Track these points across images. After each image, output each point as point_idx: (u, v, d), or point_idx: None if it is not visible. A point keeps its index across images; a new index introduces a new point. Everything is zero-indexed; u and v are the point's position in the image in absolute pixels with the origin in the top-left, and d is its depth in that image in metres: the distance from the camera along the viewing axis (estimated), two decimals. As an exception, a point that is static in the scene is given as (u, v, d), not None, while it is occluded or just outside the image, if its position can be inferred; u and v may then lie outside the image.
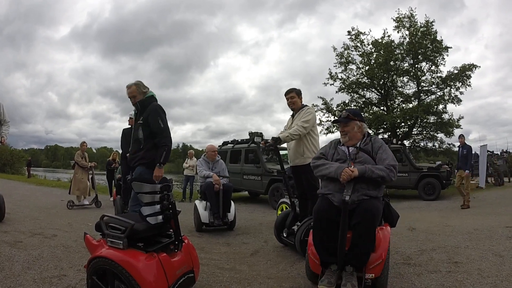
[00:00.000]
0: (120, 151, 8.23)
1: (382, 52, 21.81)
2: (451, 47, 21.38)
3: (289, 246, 5.11)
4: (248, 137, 13.05)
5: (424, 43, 21.04)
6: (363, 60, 22.88)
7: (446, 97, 21.20)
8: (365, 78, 22.79)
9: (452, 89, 21.19)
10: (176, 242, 2.79)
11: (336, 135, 23.97)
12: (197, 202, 6.75)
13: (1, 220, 6.65)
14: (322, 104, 23.45)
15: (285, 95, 5.14)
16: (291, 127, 4.92)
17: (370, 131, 17.95)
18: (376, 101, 23.39)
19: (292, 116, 5.15)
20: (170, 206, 2.73)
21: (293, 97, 5.07)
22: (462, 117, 21.51)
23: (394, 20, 22.21)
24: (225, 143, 13.75)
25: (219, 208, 6.57)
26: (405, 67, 22.12)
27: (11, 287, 3.35)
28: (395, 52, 21.86)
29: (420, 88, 22.16)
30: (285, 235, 5.02)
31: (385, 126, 21.84)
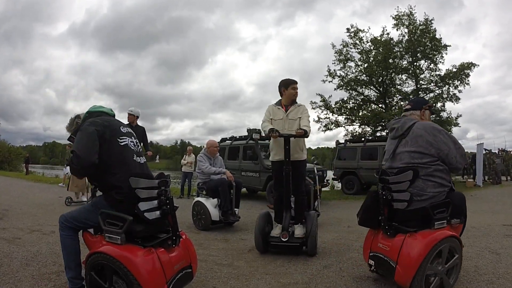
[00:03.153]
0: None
1: (381, 50, 21.81)
2: (450, 46, 21.42)
3: (283, 250, 4.77)
4: (246, 133, 13.01)
5: (423, 41, 21.06)
6: (362, 58, 22.88)
7: (445, 95, 21.23)
8: (364, 75, 22.79)
9: (450, 88, 21.23)
10: (174, 238, 2.79)
11: (334, 132, 23.99)
12: (202, 199, 6.59)
13: None
14: (320, 101, 23.44)
15: (292, 84, 4.91)
16: (289, 120, 4.81)
17: (368, 129, 17.77)
18: (374, 99, 23.41)
19: (285, 109, 4.92)
20: (167, 201, 2.74)
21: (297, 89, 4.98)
22: (460, 115, 21.54)
23: (393, 17, 22.24)
24: (223, 140, 13.74)
25: (232, 205, 6.55)
26: (404, 65, 22.13)
27: (10, 283, 3.35)
28: (394, 50, 21.87)
29: (418, 86, 22.18)
30: (284, 239, 4.60)
31: (383, 124, 21.86)
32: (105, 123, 2.88)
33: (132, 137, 3.04)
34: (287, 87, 4.90)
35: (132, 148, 2.96)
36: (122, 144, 2.87)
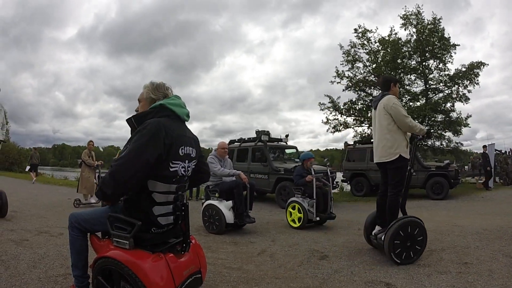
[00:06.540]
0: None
1: (389, 50, 21.64)
2: (458, 45, 21.20)
3: (377, 247, 4.91)
4: (255, 135, 12.99)
5: (431, 40, 20.87)
6: (370, 58, 22.71)
7: (454, 95, 21.02)
8: (372, 76, 22.62)
9: (460, 87, 21.03)
10: (184, 244, 2.73)
11: (343, 133, 23.97)
12: (215, 202, 6.45)
13: (3, 216, 6.73)
14: (329, 102, 23.28)
15: (399, 82, 4.95)
16: None
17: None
18: (383, 99, 23.17)
19: None
20: (182, 207, 2.68)
21: None
22: (470, 116, 21.26)
23: (401, 17, 22.06)
24: (232, 142, 13.71)
25: (247, 207, 6.51)
26: (413, 65, 21.91)
27: (16, 286, 3.34)
28: (402, 50, 21.67)
29: (427, 86, 21.98)
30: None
31: (392, 125, 21.67)
32: (169, 137, 2.46)
33: (186, 161, 2.66)
34: (396, 83, 4.97)
35: (179, 176, 2.62)
36: (172, 170, 2.54)
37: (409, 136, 4.77)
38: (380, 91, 5.01)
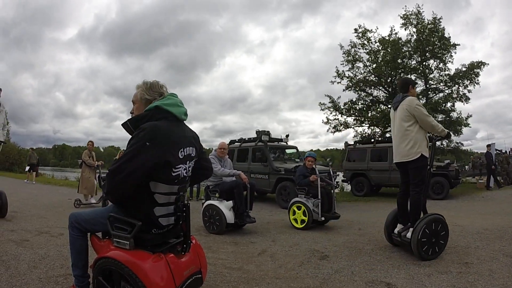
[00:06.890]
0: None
1: (389, 50, 21.68)
2: (459, 44, 21.24)
3: (400, 245, 5.04)
4: (255, 135, 12.97)
5: (431, 40, 20.92)
6: (370, 58, 22.73)
7: (454, 95, 21.03)
8: (373, 76, 22.64)
9: (460, 87, 21.04)
10: (184, 245, 2.72)
11: (343, 133, 23.99)
12: (215, 202, 6.44)
13: (3, 216, 6.74)
14: (329, 102, 23.31)
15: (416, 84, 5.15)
16: None
17: (378, 129, 17.70)
18: (383, 99, 23.21)
19: None
20: (184, 208, 2.67)
21: None
22: (471, 116, 21.32)
23: (401, 17, 22.11)
24: (232, 142, 13.71)
25: (248, 207, 6.50)
26: (413, 65, 21.98)
27: (17, 286, 3.33)
28: (403, 50, 21.73)
29: (428, 86, 22.01)
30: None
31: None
32: (166, 142, 2.41)
33: (187, 162, 2.63)
34: (414, 85, 5.16)
35: (181, 177, 2.59)
36: (174, 174, 2.51)
37: (428, 136, 4.92)
38: (400, 93, 5.10)
